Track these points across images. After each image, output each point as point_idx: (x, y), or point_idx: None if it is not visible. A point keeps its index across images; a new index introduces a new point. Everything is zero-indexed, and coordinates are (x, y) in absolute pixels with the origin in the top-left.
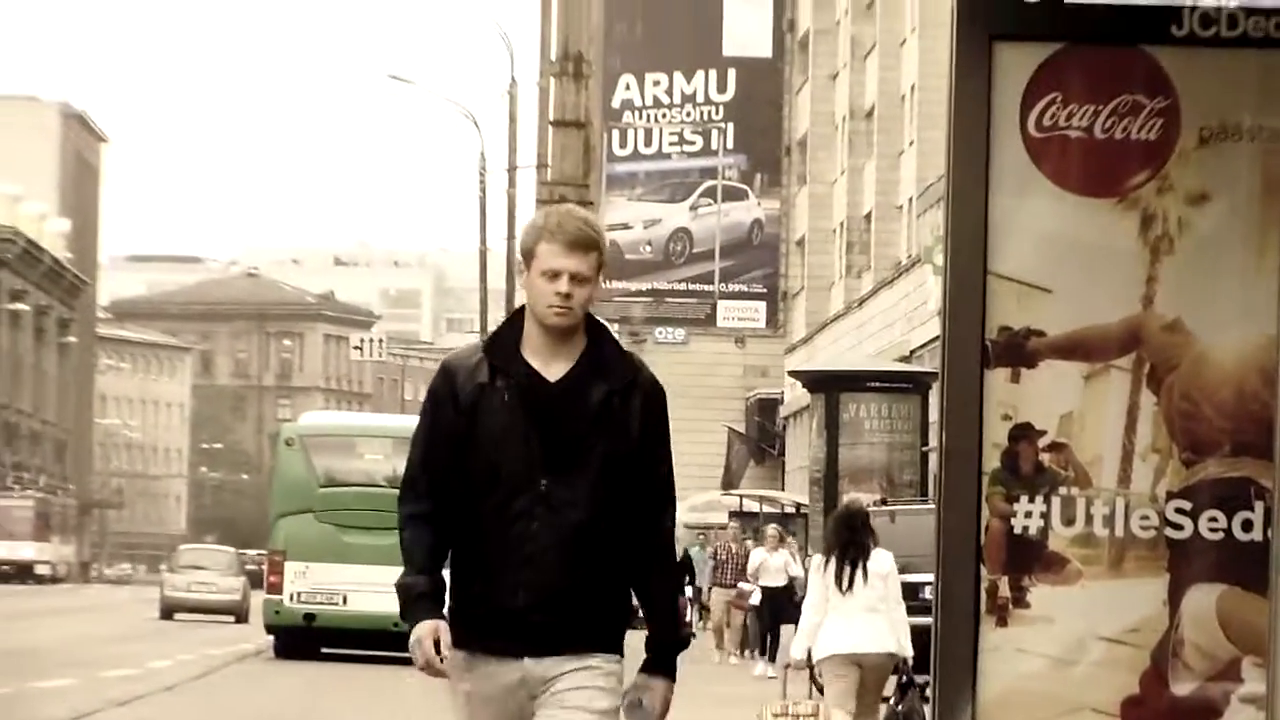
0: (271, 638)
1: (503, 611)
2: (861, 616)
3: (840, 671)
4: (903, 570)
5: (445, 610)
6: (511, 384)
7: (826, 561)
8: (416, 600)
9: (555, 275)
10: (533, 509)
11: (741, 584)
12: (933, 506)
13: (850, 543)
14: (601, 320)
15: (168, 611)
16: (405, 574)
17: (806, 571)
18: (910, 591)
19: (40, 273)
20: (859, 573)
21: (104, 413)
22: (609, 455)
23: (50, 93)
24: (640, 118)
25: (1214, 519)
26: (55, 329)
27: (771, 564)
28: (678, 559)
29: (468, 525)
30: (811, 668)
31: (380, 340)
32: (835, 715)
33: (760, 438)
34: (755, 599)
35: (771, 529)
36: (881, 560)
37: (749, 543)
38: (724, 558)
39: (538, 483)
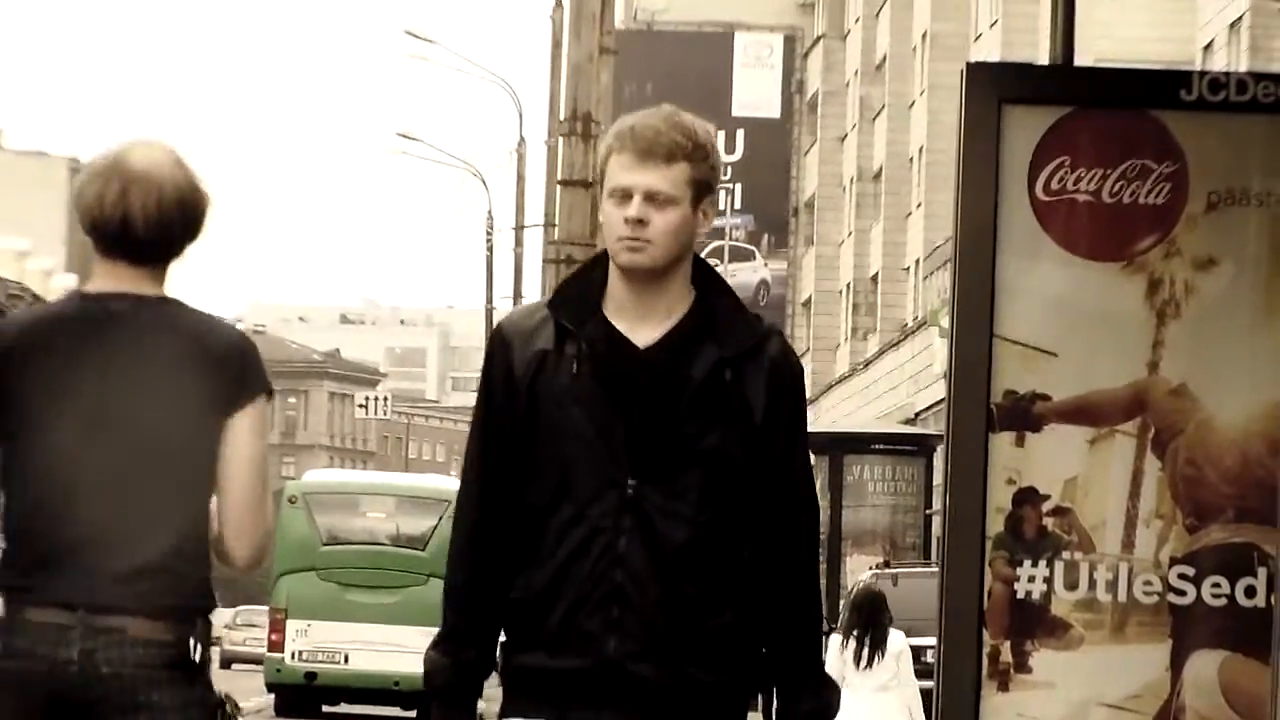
0: (272, 696)
1: (587, 665)
2: (875, 695)
3: None
4: (906, 634)
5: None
6: (585, 351)
7: (845, 641)
8: (445, 687)
9: (625, 196)
10: (619, 522)
11: None
12: (936, 570)
13: (870, 623)
14: (714, 271)
15: (226, 662)
16: (440, 637)
17: None
18: (913, 655)
19: None
20: (877, 653)
21: None
22: (720, 448)
23: (59, 148)
24: None
25: (1217, 585)
26: None
27: None
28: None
29: (534, 548)
30: None
31: (385, 398)
32: None
33: None
34: None
35: None
36: (895, 640)
37: None
38: None
39: (623, 486)
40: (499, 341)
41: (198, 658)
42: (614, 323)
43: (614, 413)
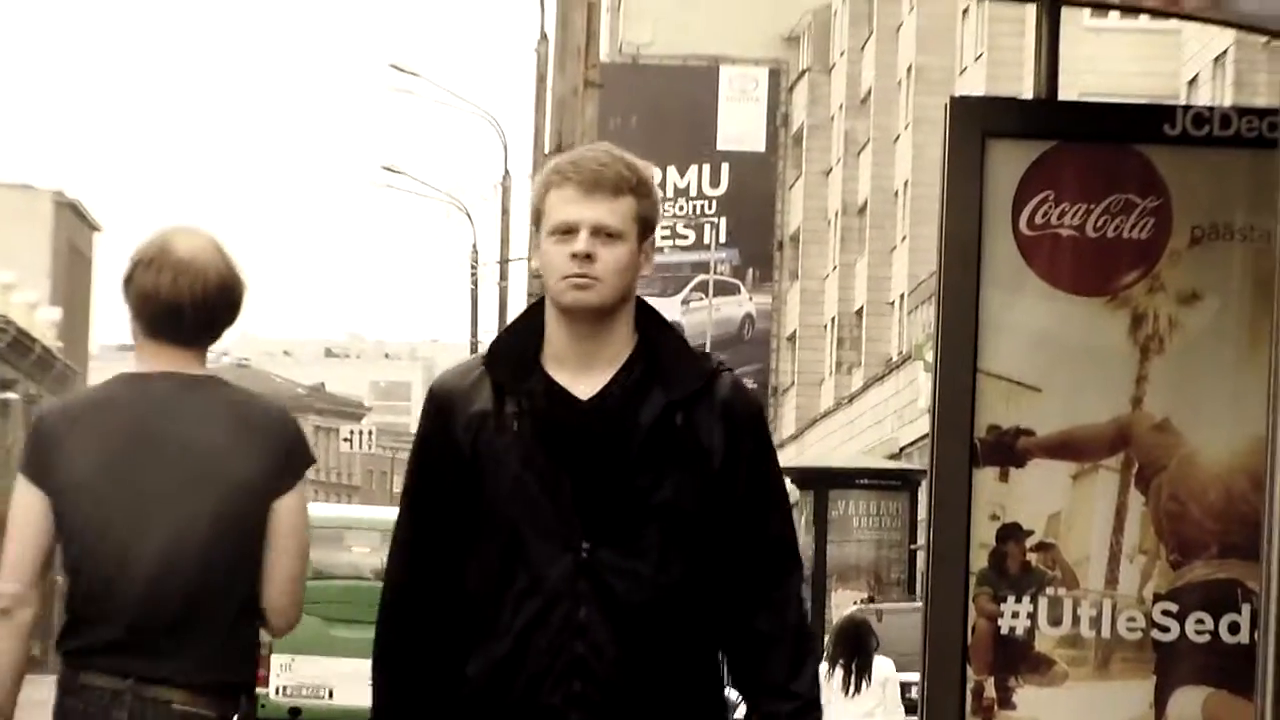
0: None
1: None
2: None
3: None
4: None
5: None
6: (525, 408)
7: (831, 669)
8: None
9: (570, 231)
10: (575, 587)
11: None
12: (920, 605)
13: (856, 650)
14: (655, 311)
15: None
16: (372, 712)
17: None
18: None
19: (30, 362)
20: (864, 679)
21: None
22: (677, 500)
23: (44, 181)
24: None
25: (1201, 621)
26: None
27: None
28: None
29: (489, 620)
30: None
31: (370, 432)
32: None
33: None
34: (739, 713)
35: None
36: (881, 667)
37: None
38: None
39: (578, 549)
40: (435, 404)
41: None
42: (554, 376)
43: (560, 471)
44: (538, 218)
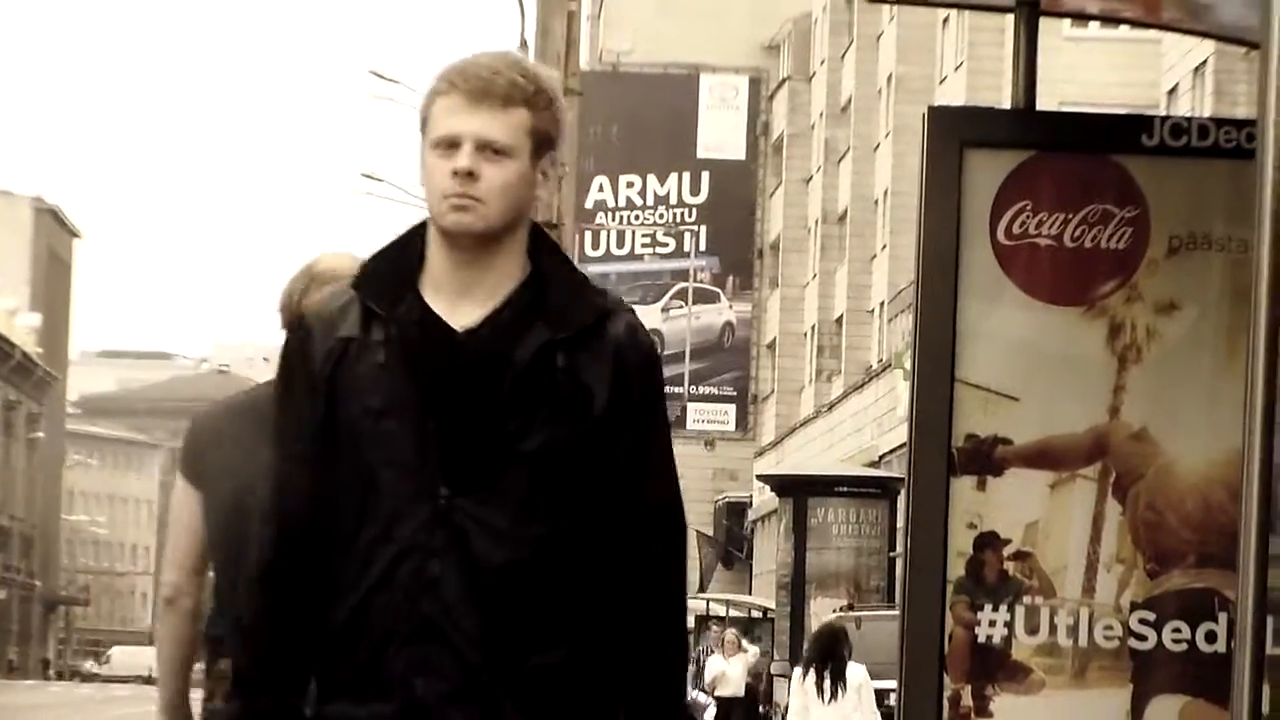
0: None
1: (391, 712)
2: None
3: None
4: (869, 677)
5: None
6: (394, 336)
7: (805, 673)
8: None
9: (452, 145)
10: (429, 540)
11: (696, 694)
12: (898, 613)
13: (830, 655)
14: (550, 238)
15: None
16: (232, 684)
17: (767, 672)
18: (875, 698)
19: (10, 367)
20: (839, 684)
21: (72, 509)
22: (549, 449)
23: (23, 187)
24: (613, 219)
25: (1178, 630)
26: (24, 424)
27: (730, 673)
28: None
29: (339, 574)
30: None
31: None
32: None
33: (728, 541)
34: (709, 714)
35: (730, 633)
36: (855, 672)
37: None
38: None
39: (435, 496)
40: (297, 329)
41: None
42: (430, 303)
43: (425, 410)
44: (422, 127)
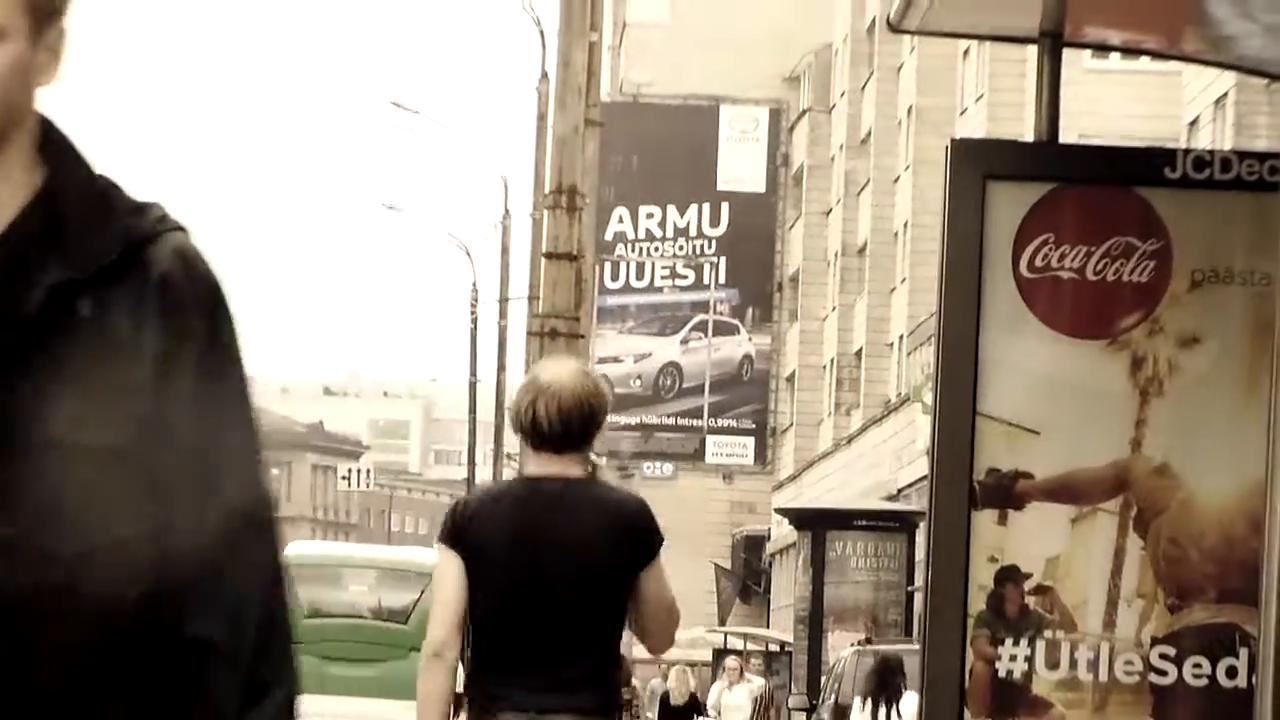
0: None
1: None
2: None
3: None
4: None
5: None
6: None
7: (864, 702)
8: None
9: None
10: None
11: None
12: (917, 647)
13: (885, 685)
14: (68, 139)
15: None
16: None
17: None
18: None
19: None
20: (893, 712)
21: None
22: (74, 430)
23: None
24: (633, 250)
25: (1198, 665)
26: None
27: (731, 702)
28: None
29: None
30: None
31: (368, 471)
32: None
33: (746, 574)
34: None
35: (731, 660)
36: (911, 702)
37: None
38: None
39: None
40: None
41: None
42: None
43: None
44: None
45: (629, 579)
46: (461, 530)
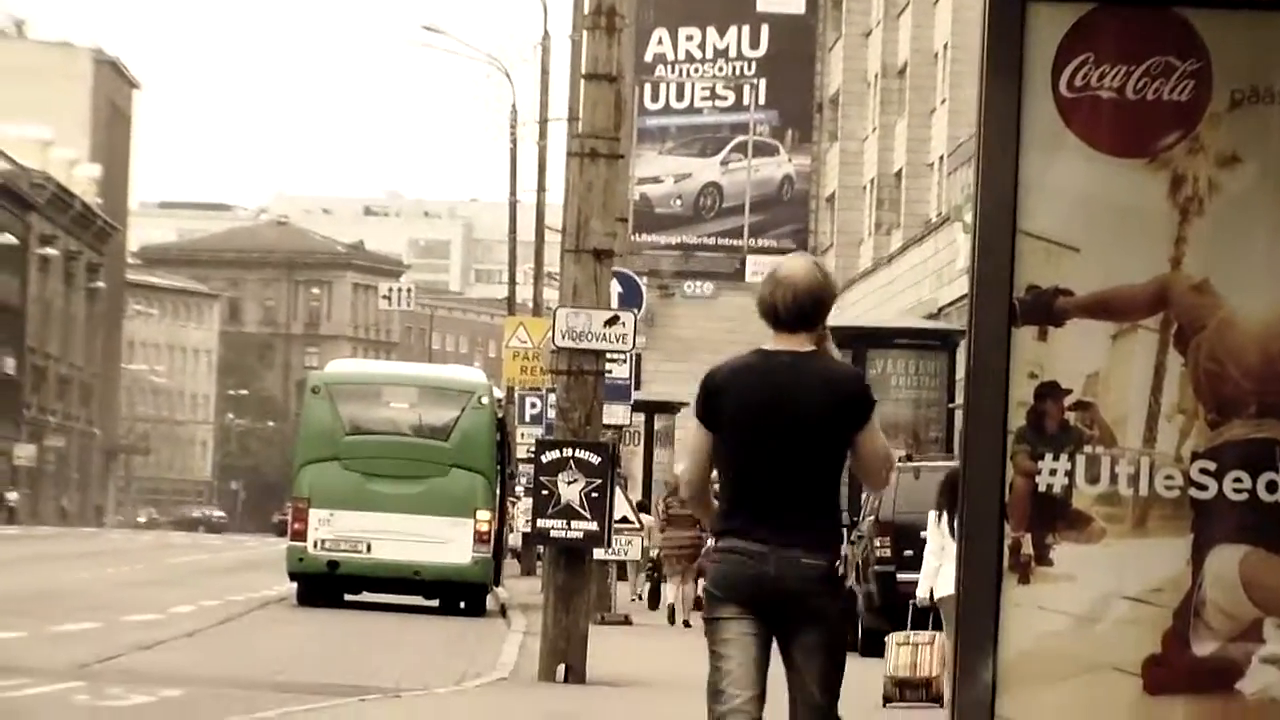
0: (295, 585)
1: None
2: None
3: None
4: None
5: None
6: None
7: (939, 515)
8: None
9: None
10: None
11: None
12: (957, 463)
13: (957, 498)
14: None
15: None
16: None
17: None
18: None
19: (70, 218)
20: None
21: (131, 358)
22: None
23: (83, 39)
24: (672, 72)
25: (1239, 480)
26: (84, 274)
27: None
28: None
29: None
30: (934, 605)
31: (408, 290)
32: (949, 644)
33: None
34: None
35: None
36: None
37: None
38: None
39: None
40: None
41: (839, 574)
42: None
43: None
44: None
45: (845, 437)
46: (713, 402)
